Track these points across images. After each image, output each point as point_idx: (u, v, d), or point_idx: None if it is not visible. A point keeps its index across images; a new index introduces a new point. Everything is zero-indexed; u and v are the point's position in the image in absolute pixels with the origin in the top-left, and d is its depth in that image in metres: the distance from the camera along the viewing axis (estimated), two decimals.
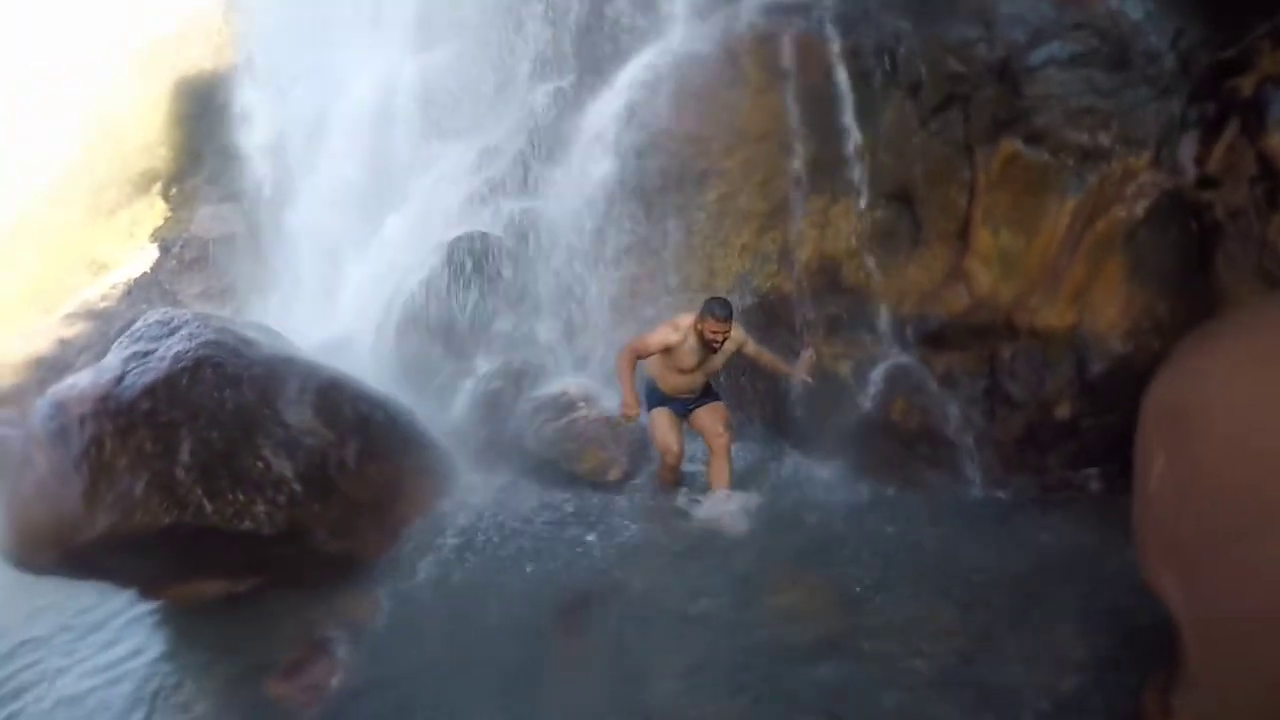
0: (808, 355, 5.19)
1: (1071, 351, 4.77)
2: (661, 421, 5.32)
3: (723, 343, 5.00)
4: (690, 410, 5.39)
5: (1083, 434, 4.79)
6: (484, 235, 6.55)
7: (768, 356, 5.33)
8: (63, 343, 9.68)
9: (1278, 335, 2.74)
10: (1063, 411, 4.79)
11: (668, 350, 5.11)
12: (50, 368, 8.39)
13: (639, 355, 5.16)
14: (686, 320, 5.07)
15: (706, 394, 5.40)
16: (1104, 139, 4.70)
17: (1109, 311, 4.69)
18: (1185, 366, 2.91)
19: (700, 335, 4.99)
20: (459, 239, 6.54)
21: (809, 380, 5.21)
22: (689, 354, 5.11)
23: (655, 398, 5.36)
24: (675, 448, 5.31)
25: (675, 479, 5.49)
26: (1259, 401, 2.51)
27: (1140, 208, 4.62)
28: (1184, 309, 4.53)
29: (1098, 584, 4.09)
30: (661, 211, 6.04)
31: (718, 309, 4.94)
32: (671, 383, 5.28)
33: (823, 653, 4.03)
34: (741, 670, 4.01)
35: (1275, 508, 2.35)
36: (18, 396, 8.35)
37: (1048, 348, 4.84)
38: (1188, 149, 4.60)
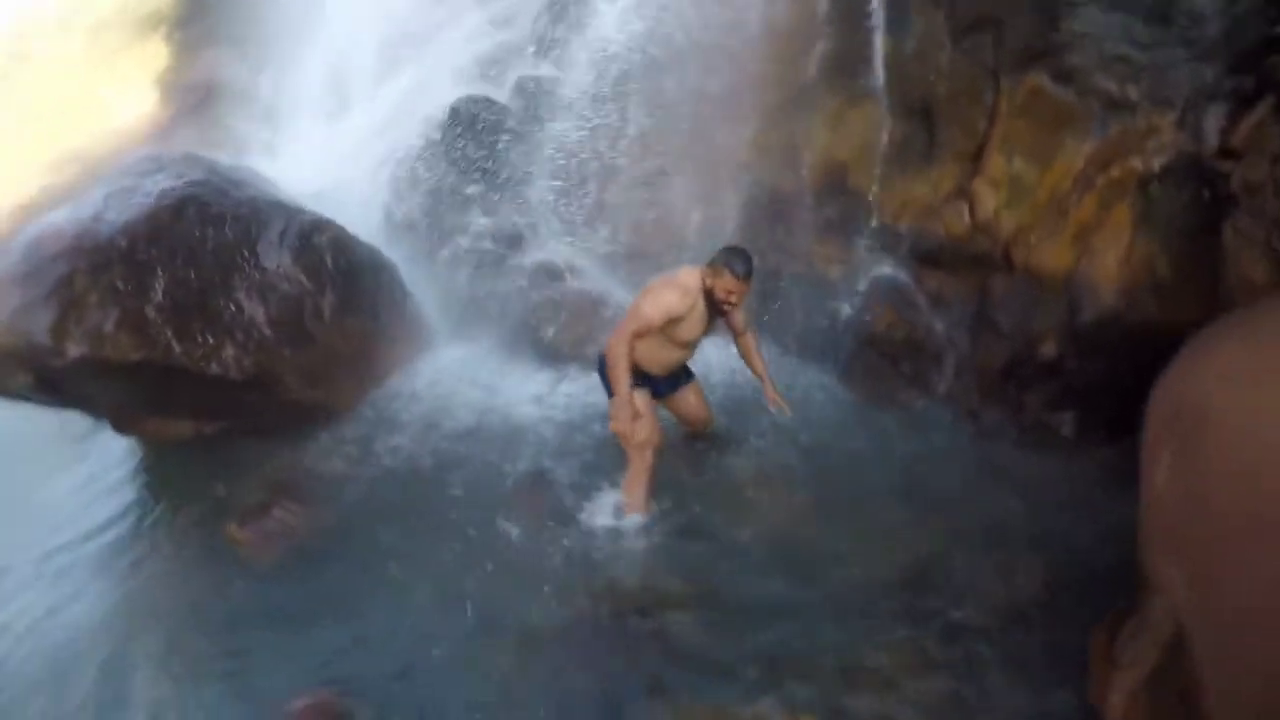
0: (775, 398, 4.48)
1: (1064, 295, 4.68)
2: (643, 408, 4.22)
3: (737, 304, 4.13)
4: (673, 390, 4.58)
5: (1064, 376, 4.72)
6: (489, 99, 6.37)
7: (752, 342, 4.48)
8: (50, 189, 9.45)
9: None
10: (1047, 351, 4.72)
11: (670, 321, 4.11)
12: (35, 215, 8.21)
13: (641, 338, 4.10)
14: (693, 277, 4.10)
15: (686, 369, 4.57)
16: (1132, 91, 4.53)
17: (1109, 259, 4.56)
18: (1192, 364, 2.83)
19: (709, 294, 4.08)
20: (463, 100, 6.35)
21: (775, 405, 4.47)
22: (696, 322, 4.17)
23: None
24: (659, 439, 4.33)
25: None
26: (1266, 400, 2.45)
27: (1157, 164, 4.49)
28: (1185, 271, 4.40)
29: (1060, 523, 4.08)
30: (672, 94, 5.84)
31: (739, 265, 4.00)
32: (664, 359, 4.32)
33: (780, 554, 4.07)
34: (694, 564, 4.06)
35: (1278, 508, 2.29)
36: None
37: (1041, 287, 4.75)
38: (1214, 117, 4.42)
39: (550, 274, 5.89)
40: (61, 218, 4.90)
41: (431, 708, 3.49)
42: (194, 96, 9.20)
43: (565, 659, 3.63)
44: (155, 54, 11.00)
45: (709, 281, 4.05)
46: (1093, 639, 3.16)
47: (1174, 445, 2.73)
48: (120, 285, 4.63)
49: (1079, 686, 3.16)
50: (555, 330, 5.66)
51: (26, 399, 4.87)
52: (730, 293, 4.03)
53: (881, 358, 5.19)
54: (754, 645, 3.56)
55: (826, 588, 3.84)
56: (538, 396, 5.39)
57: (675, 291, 4.06)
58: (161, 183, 5.02)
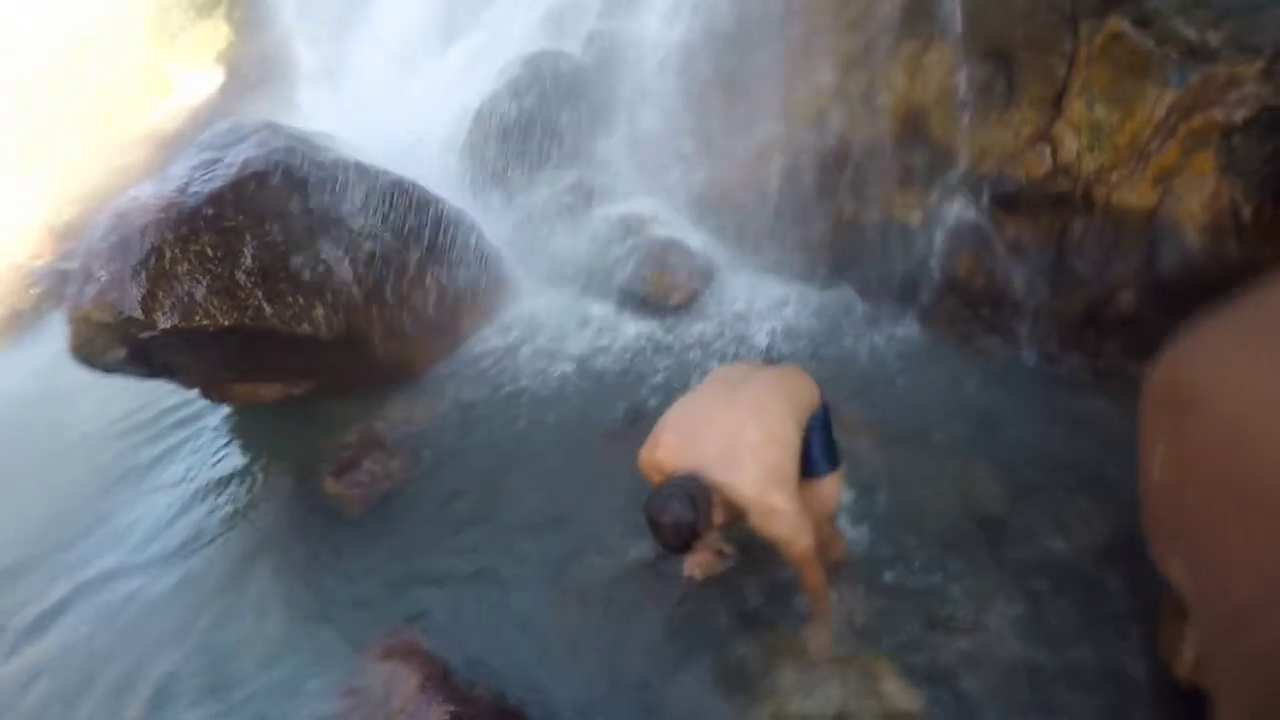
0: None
1: (1144, 237, 4.58)
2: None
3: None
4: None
5: (1143, 324, 4.59)
6: (562, 53, 6.40)
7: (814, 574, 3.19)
8: (125, 169, 9.66)
9: (1276, 322, 2.60)
10: (1126, 298, 4.62)
11: None
12: (111, 196, 8.46)
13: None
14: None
15: None
16: (1213, 38, 4.36)
17: (1192, 200, 4.42)
18: (1185, 352, 2.78)
19: None
20: (536, 55, 6.38)
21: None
22: None
23: None
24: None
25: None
26: (1257, 387, 2.39)
27: (1239, 115, 4.33)
28: (1267, 221, 4.22)
29: (1135, 475, 4.04)
30: (746, 42, 5.77)
31: (660, 539, 2.97)
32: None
33: (856, 498, 4.07)
34: None
35: (1267, 495, 2.25)
36: (78, 227, 8.39)
37: (1121, 228, 4.66)
38: None
39: (631, 224, 5.91)
40: (147, 191, 4.97)
41: (515, 647, 3.61)
42: (260, 71, 9.32)
43: (651, 598, 3.72)
44: (217, 33, 11.20)
45: None
46: (1162, 593, 3.13)
47: (1168, 434, 2.69)
48: (210, 252, 4.72)
49: (1149, 638, 3.20)
50: (639, 280, 5.67)
51: (120, 371, 5.00)
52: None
53: (961, 304, 5.15)
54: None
55: (901, 532, 3.86)
56: (625, 346, 5.43)
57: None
58: (245, 152, 5.08)
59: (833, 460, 3.43)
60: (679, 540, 2.92)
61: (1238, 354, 2.54)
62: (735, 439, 3.07)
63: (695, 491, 2.93)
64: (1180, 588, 2.71)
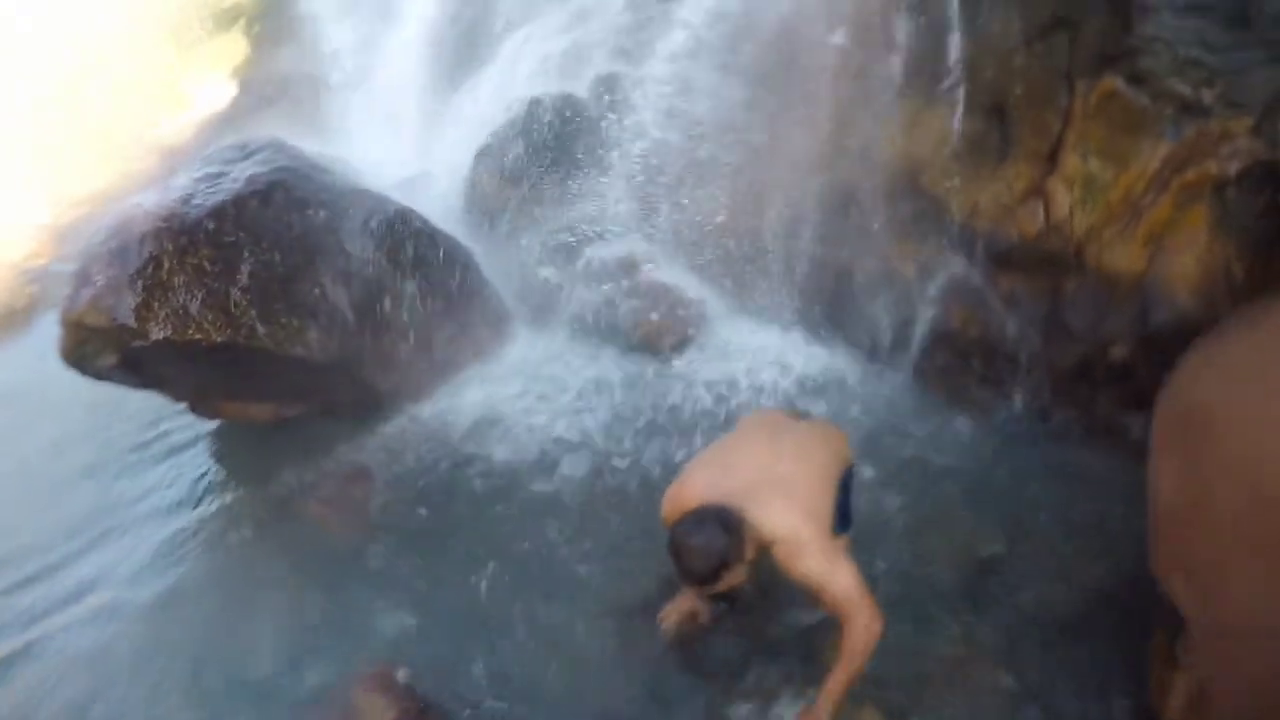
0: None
1: (1137, 296, 4.63)
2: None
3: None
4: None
5: (1135, 379, 4.66)
6: (568, 94, 6.48)
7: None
8: (129, 176, 9.67)
9: None
10: (1119, 352, 4.69)
11: None
12: (114, 201, 8.46)
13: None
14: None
15: None
16: (1206, 96, 4.46)
17: (1184, 259, 4.50)
18: (1199, 368, 2.81)
19: None
20: (542, 96, 6.47)
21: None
22: None
23: None
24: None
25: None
26: (1266, 410, 2.43)
27: (1233, 168, 4.42)
28: (1259, 279, 4.30)
29: (1125, 525, 3.99)
30: (747, 93, 5.87)
31: (684, 565, 2.83)
32: None
33: None
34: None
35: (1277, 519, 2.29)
36: (79, 231, 8.42)
37: (1114, 288, 4.71)
38: None
39: (628, 266, 5.95)
40: (151, 200, 4.99)
41: (494, 686, 3.62)
42: (274, 88, 9.42)
43: (631, 647, 3.72)
44: (233, 48, 11.31)
45: None
46: (1153, 641, 3.17)
47: (1180, 453, 2.71)
48: (207, 266, 4.72)
49: (1139, 689, 3.20)
50: (632, 322, 5.70)
51: (110, 379, 4.98)
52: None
53: (954, 356, 5.20)
54: (811, 635, 3.60)
55: (888, 581, 3.86)
56: (613, 386, 5.45)
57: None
58: (249, 169, 5.11)
59: (846, 523, 3.39)
60: (706, 567, 2.76)
61: (1258, 374, 2.58)
62: (769, 473, 2.99)
63: (729, 519, 2.79)
64: (1181, 604, 2.72)
